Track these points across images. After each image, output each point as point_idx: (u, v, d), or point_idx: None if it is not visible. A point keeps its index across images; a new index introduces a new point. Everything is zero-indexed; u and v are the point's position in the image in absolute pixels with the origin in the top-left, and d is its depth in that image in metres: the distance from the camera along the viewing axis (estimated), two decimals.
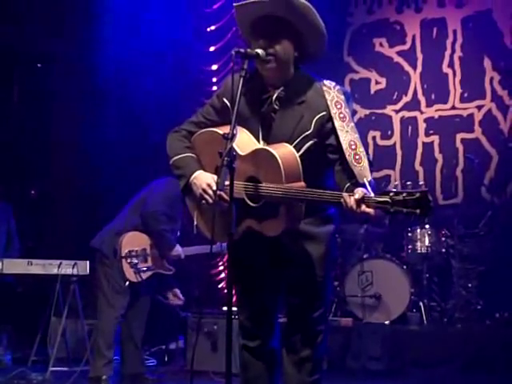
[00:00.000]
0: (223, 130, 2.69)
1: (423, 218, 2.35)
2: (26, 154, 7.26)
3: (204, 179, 2.72)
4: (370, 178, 2.51)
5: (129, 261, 4.72)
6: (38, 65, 7.43)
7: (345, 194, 2.46)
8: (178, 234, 4.98)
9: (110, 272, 4.80)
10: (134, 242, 4.81)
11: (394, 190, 2.38)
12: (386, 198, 2.36)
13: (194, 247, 4.99)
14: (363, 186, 2.46)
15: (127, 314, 4.87)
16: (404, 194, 2.34)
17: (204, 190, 2.70)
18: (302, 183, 2.58)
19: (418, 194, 2.33)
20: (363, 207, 2.41)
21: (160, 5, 7.36)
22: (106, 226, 4.96)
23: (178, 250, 4.87)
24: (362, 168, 2.55)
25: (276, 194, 2.57)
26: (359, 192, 2.42)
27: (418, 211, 2.32)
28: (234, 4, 2.74)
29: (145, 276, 4.79)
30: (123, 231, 4.82)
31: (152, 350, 6.16)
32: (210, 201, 2.68)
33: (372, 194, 2.42)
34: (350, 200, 2.43)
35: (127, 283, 4.74)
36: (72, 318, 5.35)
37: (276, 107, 2.76)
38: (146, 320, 5.00)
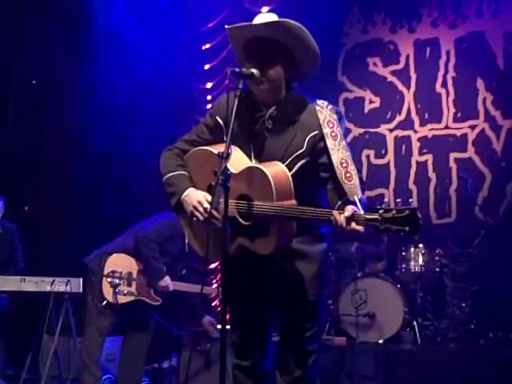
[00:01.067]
0: (217, 148, 2.70)
1: (412, 235, 2.36)
2: (20, 171, 7.25)
3: (195, 197, 2.73)
4: (360, 196, 2.52)
5: (109, 280, 4.72)
6: (33, 81, 7.43)
7: (335, 212, 2.48)
8: (184, 272, 4.97)
9: (93, 289, 4.80)
10: (121, 263, 4.81)
11: (384, 207, 2.40)
12: (375, 216, 2.38)
13: (186, 284, 4.96)
14: (354, 203, 2.48)
15: (129, 332, 4.85)
16: (393, 212, 2.35)
17: (195, 207, 2.71)
18: (293, 201, 2.59)
19: (407, 212, 2.34)
20: (353, 225, 2.43)
21: (155, 23, 7.40)
22: (103, 246, 4.97)
23: (167, 281, 4.84)
24: (353, 186, 2.57)
25: (267, 212, 2.58)
26: (349, 209, 2.44)
27: (407, 228, 2.33)
28: (226, 26, 2.76)
29: (123, 300, 4.77)
30: (114, 252, 4.82)
31: (145, 369, 6.12)
32: (201, 218, 2.69)
33: (362, 212, 2.43)
34: (340, 218, 2.44)
35: (104, 302, 4.73)
36: (64, 335, 5.31)
37: (269, 126, 2.78)
38: (150, 339, 4.97)
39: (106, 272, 4.73)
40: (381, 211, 2.37)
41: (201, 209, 2.69)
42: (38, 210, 7.48)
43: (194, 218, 2.72)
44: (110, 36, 7.28)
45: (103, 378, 5.66)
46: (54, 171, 7.44)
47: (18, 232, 5.74)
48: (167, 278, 4.83)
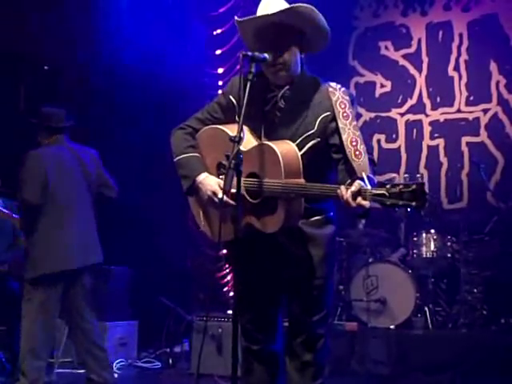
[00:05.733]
0: (230, 128, 2.73)
1: (419, 211, 2.33)
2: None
3: (209, 187, 2.74)
4: (368, 173, 2.50)
5: None
6: (45, 67, 7.43)
7: (342, 187, 2.47)
8: None
9: None
10: None
11: (390, 182, 2.38)
12: (382, 191, 2.35)
13: None
14: (361, 179, 2.46)
15: None
16: (400, 187, 2.33)
17: (209, 197, 2.73)
18: (302, 180, 2.60)
19: (414, 186, 2.32)
20: (359, 199, 2.40)
21: (165, 8, 7.37)
22: None
23: None
24: (361, 163, 2.56)
25: (274, 189, 2.58)
26: (356, 184, 2.42)
27: (413, 203, 2.31)
28: (236, 19, 2.76)
29: None
30: None
31: (157, 353, 6.17)
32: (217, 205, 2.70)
33: (369, 187, 2.41)
34: (347, 192, 2.43)
35: None
36: None
37: (281, 106, 2.79)
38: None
39: None
40: (387, 186, 2.35)
41: (215, 199, 2.70)
42: None
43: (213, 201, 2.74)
44: (121, 21, 7.26)
45: (116, 361, 5.72)
46: None
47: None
48: None
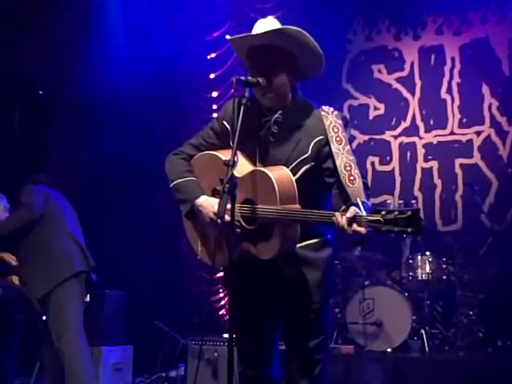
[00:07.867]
0: (223, 154, 2.73)
1: (415, 237, 2.35)
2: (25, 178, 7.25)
3: (211, 208, 2.70)
4: (363, 199, 2.51)
5: None
6: (40, 92, 7.46)
7: (337, 213, 2.47)
8: None
9: None
10: None
11: (386, 208, 2.38)
12: (377, 217, 2.36)
13: None
14: (356, 205, 2.46)
15: None
16: (395, 213, 2.34)
17: (211, 219, 2.69)
18: (297, 206, 2.59)
19: (409, 213, 2.32)
20: (354, 226, 2.41)
21: (161, 32, 7.42)
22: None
23: None
24: (356, 188, 2.56)
25: (269, 215, 2.58)
26: (351, 211, 2.42)
27: (409, 230, 2.31)
28: (227, 37, 2.78)
29: None
30: None
31: (152, 378, 6.12)
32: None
33: (364, 213, 2.41)
34: (342, 219, 2.43)
35: None
36: None
37: (274, 131, 2.78)
38: None
39: None
40: (383, 212, 2.36)
41: (219, 221, 2.64)
42: None
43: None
44: (115, 44, 7.31)
45: None
46: (59, 179, 7.44)
47: None
48: None
